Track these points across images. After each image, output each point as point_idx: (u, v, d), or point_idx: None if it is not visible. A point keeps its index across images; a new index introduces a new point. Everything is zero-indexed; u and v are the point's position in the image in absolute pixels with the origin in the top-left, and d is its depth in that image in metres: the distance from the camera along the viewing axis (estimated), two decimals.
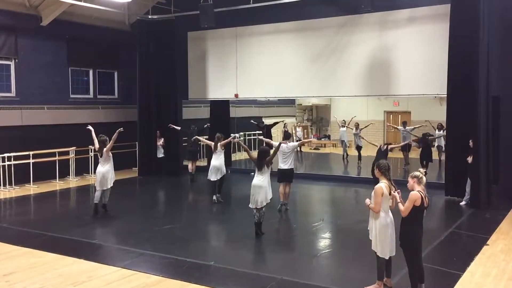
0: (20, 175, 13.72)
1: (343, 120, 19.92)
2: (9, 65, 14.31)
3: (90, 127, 11.00)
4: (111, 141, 10.50)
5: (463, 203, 11.26)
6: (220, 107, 17.83)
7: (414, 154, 18.04)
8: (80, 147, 15.25)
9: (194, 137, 14.31)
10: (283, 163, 10.60)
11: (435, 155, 16.53)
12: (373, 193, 5.96)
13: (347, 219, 10.45)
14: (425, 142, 15.49)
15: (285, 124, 22.38)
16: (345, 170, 18.42)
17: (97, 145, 10.53)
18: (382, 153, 11.82)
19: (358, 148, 18.09)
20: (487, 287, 6.38)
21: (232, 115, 19.07)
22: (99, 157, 10.60)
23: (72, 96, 16.03)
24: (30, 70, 14.56)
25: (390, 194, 5.90)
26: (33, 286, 6.44)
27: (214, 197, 11.40)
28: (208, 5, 13.87)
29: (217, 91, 16.82)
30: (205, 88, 17.00)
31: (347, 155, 19.71)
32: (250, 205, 8.67)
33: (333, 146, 25.93)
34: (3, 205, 11.93)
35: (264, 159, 8.66)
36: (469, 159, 10.94)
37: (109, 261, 7.39)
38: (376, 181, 6.22)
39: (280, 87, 15.50)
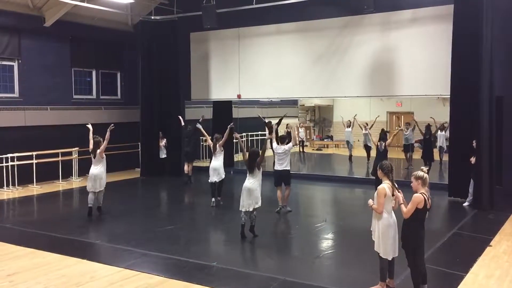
0: (23, 176, 13.75)
1: (349, 121, 19.86)
2: (13, 65, 14.36)
3: (89, 126, 10.86)
4: (104, 142, 10.41)
5: (466, 204, 11.24)
6: (223, 107, 17.86)
7: (417, 155, 18.02)
8: (83, 147, 15.21)
9: (190, 135, 14.19)
10: (279, 165, 10.50)
11: (436, 155, 16.51)
12: (375, 193, 5.95)
13: (349, 220, 10.45)
14: (427, 135, 15.42)
15: (287, 124, 22.36)
16: (348, 170, 18.41)
17: (91, 146, 10.46)
18: (382, 153, 11.64)
19: (367, 148, 18.04)
20: None
21: (235, 116, 19.06)
22: (92, 158, 10.49)
23: (75, 96, 16.07)
24: (33, 71, 14.60)
25: (393, 194, 5.89)
26: (36, 286, 6.45)
27: (213, 199, 11.23)
28: (211, 6, 13.89)
29: (220, 91, 16.83)
30: (208, 89, 17.02)
31: (351, 155, 19.67)
32: (240, 208, 8.55)
33: (335, 146, 25.91)
34: (6, 206, 11.96)
35: (254, 161, 8.57)
36: (472, 160, 10.92)
37: (112, 262, 7.40)
38: (378, 181, 6.20)
39: (282, 87, 15.50)
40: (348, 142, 19.90)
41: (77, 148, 15.12)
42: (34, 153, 13.89)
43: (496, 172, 11.17)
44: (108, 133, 10.51)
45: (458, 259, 7.48)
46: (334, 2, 14.23)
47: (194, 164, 15.14)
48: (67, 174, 15.10)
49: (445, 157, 16.14)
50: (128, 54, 17.27)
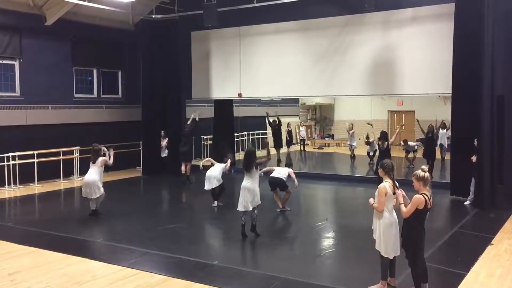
0: (25, 175, 13.76)
1: (351, 124, 19.73)
2: (14, 65, 14.37)
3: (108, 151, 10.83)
4: (110, 158, 10.45)
5: (467, 202, 11.23)
6: (224, 106, 17.89)
7: (418, 154, 18.01)
8: (84, 146, 15.27)
9: (187, 134, 14.19)
10: (275, 173, 10.47)
11: (437, 154, 16.49)
12: (376, 192, 5.95)
13: (351, 218, 10.45)
14: (429, 133, 15.39)
15: (288, 123, 22.37)
16: (350, 169, 18.41)
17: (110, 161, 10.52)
18: (384, 152, 11.64)
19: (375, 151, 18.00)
20: (491, 287, 6.36)
21: (236, 115, 19.08)
22: (91, 162, 10.43)
23: (76, 95, 16.08)
24: (34, 70, 14.61)
25: (394, 193, 5.88)
26: (38, 285, 6.46)
27: (215, 202, 11.20)
28: (212, 4, 13.87)
29: (221, 90, 16.83)
30: (209, 88, 17.01)
31: (354, 156, 19.62)
32: (238, 208, 8.51)
33: (336, 145, 25.91)
34: (8, 205, 11.98)
35: (250, 160, 8.49)
36: (474, 159, 10.91)
37: (113, 260, 7.40)
38: (379, 180, 6.20)
39: (283, 86, 15.48)
40: (351, 145, 19.81)
41: (78, 147, 15.14)
42: (36, 152, 13.90)
43: (497, 170, 11.16)
44: (112, 153, 10.51)
45: (459, 258, 7.48)
46: (335, 1, 14.22)
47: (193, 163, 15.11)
48: (68, 173, 15.11)
49: (447, 156, 16.14)
50: (129, 53, 17.28)
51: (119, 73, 17.65)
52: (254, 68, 15.95)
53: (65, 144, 14.86)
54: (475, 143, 10.96)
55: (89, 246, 8.40)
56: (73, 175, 15.24)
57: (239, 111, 19.86)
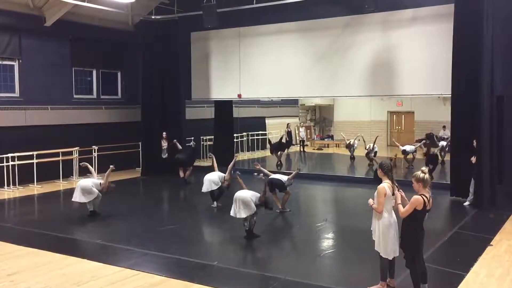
0: (24, 175, 13.74)
1: (349, 141, 19.73)
2: (13, 65, 14.36)
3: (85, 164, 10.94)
4: (106, 178, 10.35)
5: (467, 203, 11.23)
6: (224, 107, 17.90)
7: (419, 155, 18.03)
8: (83, 147, 15.29)
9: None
10: (275, 174, 10.48)
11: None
12: (376, 193, 5.94)
13: (350, 219, 10.45)
14: (432, 143, 15.39)
15: (288, 124, 22.39)
16: (349, 170, 18.40)
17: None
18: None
19: (375, 153, 18.00)
20: (491, 287, 6.36)
21: (235, 115, 19.08)
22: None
23: (75, 96, 16.07)
24: (33, 70, 14.60)
25: (393, 194, 5.88)
26: (37, 286, 6.45)
27: (214, 203, 11.21)
28: (211, 5, 13.88)
29: (220, 91, 16.84)
30: (208, 88, 17.02)
31: (353, 157, 19.63)
32: (231, 214, 8.52)
33: (336, 146, 25.92)
34: (7, 205, 11.97)
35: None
36: (473, 159, 10.91)
37: (112, 261, 7.39)
38: (379, 181, 6.19)
39: (283, 87, 15.49)
40: (352, 146, 19.77)
41: (78, 147, 15.13)
42: (35, 152, 13.89)
43: (496, 171, 11.17)
44: (109, 171, 10.45)
45: (459, 259, 7.47)
46: (335, 1, 14.22)
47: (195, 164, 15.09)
48: (67, 174, 15.09)
49: (447, 157, 16.13)
50: (128, 53, 17.28)
51: (119, 74, 17.64)
52: (254, 69, 15.95)
53: (65, 144, 14.84)
54: (474, 144, 10.97)
55: (88, 247, 8.40)
56: (73, 175, 15.22)
57: (238, 112, 19.86)
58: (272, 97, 16.94)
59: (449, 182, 12.18)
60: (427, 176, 5.70)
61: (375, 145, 17.94)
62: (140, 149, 16.83)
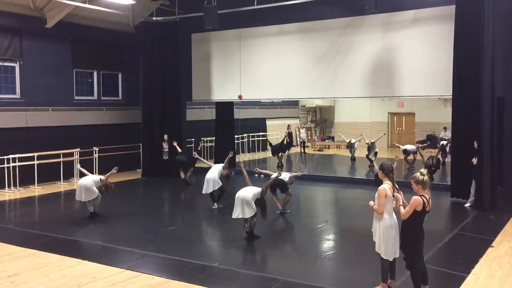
0: (25, 177, 13.76)
1: (350, 141, 19.68)
2: (14, 67, 14.38)
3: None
4: (107, 176, 10.37)
5: (467, 204, 11.22)
6: (224, 108, 17.91)
7: (418, 155, 18.00)
8: (84, 148, 15.30)
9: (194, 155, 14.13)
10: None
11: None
12: (376, 194, 5.94)
13: (351, 220, 10.44)
14: (433, 144, 15.36)
15: (288, 125, 22.38)
16: (350, 171, 18.39)
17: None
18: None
19: (375, 153, 17.97)
20: None
21: (236, 117, 19.09)
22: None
23: (76, 97, 16.09)
24: (34, 72, 14.62)
25: (393, 195, 5.88)
26: (37, 287, 6.46)
27: (215, 205, 11.21)
28: (212, 6, 13.88)
29: (221, 92, 16.84)
30: (209, 90, 17.02)
31: (354, 158, 19.61)
32: (233, 216, 8.53)
33: (337, 147, 25.92)
34: (8, 207, 11.97)
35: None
36: (474, 161, 10.91)
37: (113, 263, 7.40)
38: (379, 182, 6.20)
39: (283, 88, 15.50)
40: (352, 145, 19.75)
41: (79, 149, 15.13)
42: (36, 154, 13.91)
43: (497, 172, 11.16)
44: (113, 172, 10.43)
45: (459, 260, 7.47)
46: (336, 2, 14.22)
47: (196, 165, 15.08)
48: (68, 175, 15.10)
49: (447, 158, 16.12)
50: (129, 55, 17.30)
51: (119, 75, 17.66)
52: (255, 70, 15.96)
53: (65, 146, 14.84)
54: (475, 145, 10.96)
55: (89, 248, 8.40)
56: (73, 177, 15.22)
57: (239, 113, 19.87)
58: (273, 98, 16.95)
59: (449, 184, 12.17)
60: (426, 178, 5.71)
61: (375, 144, 17.88)
62: (140, 150, 16.83)
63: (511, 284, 6.47)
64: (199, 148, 15.41)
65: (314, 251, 8.16)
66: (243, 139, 21.85)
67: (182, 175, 14.49)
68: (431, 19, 12.91)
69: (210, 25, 14.11)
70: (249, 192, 8.51)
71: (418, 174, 5.75)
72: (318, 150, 25.22)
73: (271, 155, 19.55)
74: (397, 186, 5.99)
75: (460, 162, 11.52)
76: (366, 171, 17.41)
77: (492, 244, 8.24)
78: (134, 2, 14.43)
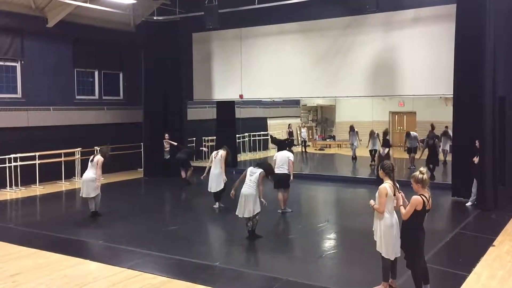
0: (26, 176, 13.78)
1: (352, 125, 19.66)
2: (15, 66, 14.40)
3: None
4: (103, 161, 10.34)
5: (469, 203, 11.22)
6: (225, 108, 17.92)
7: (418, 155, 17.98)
8: (85, 148, 15.30)
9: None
10: (278, 169, 10.41)
11: (440, 156, 16.46)
12: (377, 193, 5.95)
13: (352, 220, 10.44)
14: (432, 142, 15.30)
15: (289, 124, 22.39)
16: (351, 170, 18.39)
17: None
18: (384, 158, 11.62)
19: (375, 150, 17.92)
20: None
21: (237, 116, 19.10)
22: (89, 162, 10.44)
23: (77, 97, 16.11)
24: (35, 71, 14.63)
25: (394, 194, 5.88)
26: (39, 287, 6.47)
27: (217, 204, 11.20)
28: (213, 6, 13.88)
29: (222, 92, 16.84)
30: (210, 89, 17.03)
31: (355, 157, 19.60)
32: (237, 213, 8.52)
33: (338, 146, 25.90)
34: (9, 206, 12.00)
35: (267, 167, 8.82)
36: (475, 160, 10.90)
37: (114, 262, 7.40)
38: (380, 181, 6.20)
39: (285, 87, 15.49)
40: (352, 144, 19.79)
41: (80, 148, 15.15)
42: (37, 153, 13.93)
43: (499, 172, 11.15)
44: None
45: (461, 259, 7.47)
46: (336, 2, 14.21)
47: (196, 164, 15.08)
48: (69, 175, 15.12)
49: (449, 157, 16.08)
50: (130, 54, 17.29)
51: (121, 75, 17.67)
52: (256, 69, 15.96)
53: (67, 145, 14.86)
54: (477, 144, 10.94)
55: (90, 248, 8.41)
56: (75, 176, 15.24)
57: (240, 113, 19.88)
58: (274, 97, 16.93)
59: (450, 183, 12.16)
60: (425, 176, 5.72)
61: (376, 140, 17.77)
62: (142, 150, 16.85)
63: None
64: (204, 144, 15.36)
65: (315, 251, 8.16)
66: (244, 138, 21.85)
67: (183, 174, 14.50)
68: (432, 18, 12.89)
69: (211, 24, 14.09)
70: (251, 186, 8.45)
71: (417, 173, 5.76)
72: (319, 150, 25.22)
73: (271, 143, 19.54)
74: (397, 186, 5.99)
75: (461, 161, 11.51)
76: (367, 171, 17.40)
77: (493, 244, 8.23)
78: (135, 1, 14.43)
